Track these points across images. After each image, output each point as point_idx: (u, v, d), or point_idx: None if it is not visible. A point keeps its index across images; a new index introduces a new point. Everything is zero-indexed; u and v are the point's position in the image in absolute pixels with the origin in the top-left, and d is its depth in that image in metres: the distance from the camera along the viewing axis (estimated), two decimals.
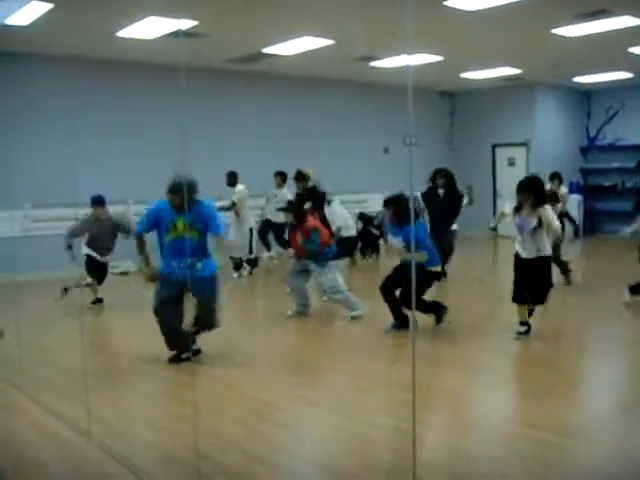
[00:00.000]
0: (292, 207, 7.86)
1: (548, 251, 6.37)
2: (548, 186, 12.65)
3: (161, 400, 5.09)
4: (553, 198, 8.71)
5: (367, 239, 12.59)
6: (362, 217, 13.08)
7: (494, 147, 16.28)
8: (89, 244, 8.50)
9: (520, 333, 6.47)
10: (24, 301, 7.34)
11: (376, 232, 12.69)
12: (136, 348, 6.35)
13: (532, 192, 6.26)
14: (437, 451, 4.01)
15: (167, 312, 5.78)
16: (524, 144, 15.59)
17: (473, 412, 4.74)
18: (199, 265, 5.76)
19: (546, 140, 15.58)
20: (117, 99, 11.36)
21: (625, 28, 9.44)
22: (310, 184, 10.12)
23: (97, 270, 8.54)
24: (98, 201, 8.46)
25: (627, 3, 8.34)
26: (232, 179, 10.73)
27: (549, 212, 6.31)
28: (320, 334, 7.09)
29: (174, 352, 5.83)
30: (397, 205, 6.69)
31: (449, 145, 16.83)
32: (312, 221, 7.65)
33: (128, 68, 11.38)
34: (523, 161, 15.71)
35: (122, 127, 11.40)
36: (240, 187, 10.70)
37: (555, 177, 12.53)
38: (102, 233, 8.47)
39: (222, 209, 10.02)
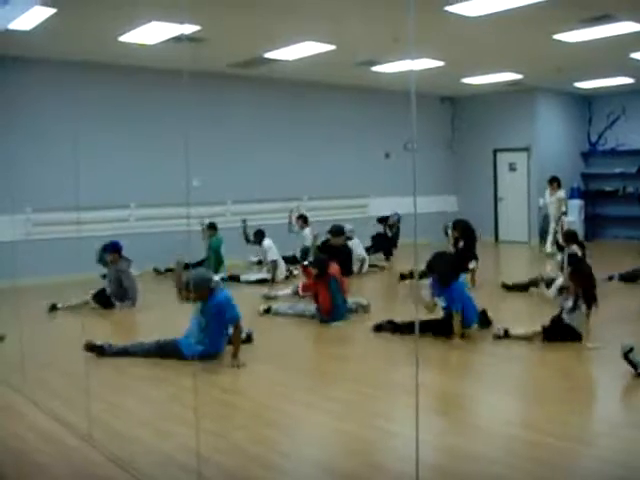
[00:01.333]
0: (317, 263, 7.79)
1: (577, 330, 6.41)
2: (547, 191, 12.71)
3: (162, 404, 5.09)
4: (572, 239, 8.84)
5: (380, 242, 12.47)
6: (381, 221, 12.92)
7: (495, 152, 16.29)
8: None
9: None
10: (25, 305, 7.34)
11: (389, 233, 12.55)
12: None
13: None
14: (440, 454, 4.01)
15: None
16: (525, 149, 15.61)
17: (476, 415, 4.74)
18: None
19: (547, 145, 15.60)
20: (119, 103, 11.40)
21: (626, 34, 9.46)
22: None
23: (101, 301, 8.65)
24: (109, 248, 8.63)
25: (629, 9, 8.35)
26: (260, 237, 10.55)
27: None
28: (322, 338, 7.08)
29: None
30: (440, 265, 6.67)
31: (450, 150, 16.84)
32: (332, 267, 7.74)
33: (130, 73, 11.41)
34: (524, 166, 15.73)
35: (124, 131, 11.43)
36: (267, 243, 10.50)
37: (554, 181, 12.55)
38: (111, 278, 8.65)
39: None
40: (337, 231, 10.40)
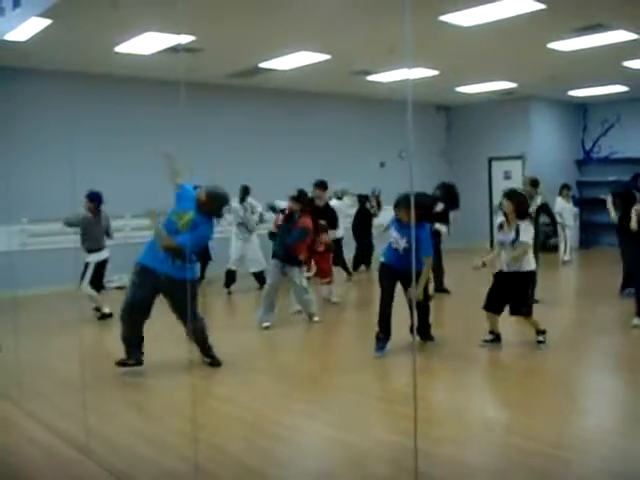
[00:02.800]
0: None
1: (531, 266, 6.42)
2: (558, 199, 12.78)
3: (160, 415, 5.08)
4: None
5: (363, 243, 11.96)
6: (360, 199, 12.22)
7: (490, 160, 16.34)
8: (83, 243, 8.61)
9: (486, 341, 6.65)
10: (22, 316, 7.32)
11: (371, 209, 11.99)
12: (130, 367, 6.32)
13: (516, 204, 6.37)
14: (437, 464, 4.00)
15: (133, 316, 5.92)
16: (520, 157, 15.65)
17: (473, 424, 4.73)
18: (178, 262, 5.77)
19: (542, 153, 15.64)
20: (115, 114, 11.41)
21: (619, 42, 9.52)
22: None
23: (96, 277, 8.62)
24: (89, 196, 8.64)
25: (621, 18, 8.41)
26: (245, 193, 10.60)
27: (528, 228, 6.40)
28: (317, 348, 7.08)
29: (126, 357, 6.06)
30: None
31: (445, 159, 16.88)
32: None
33: (126, 83, 11.43)
34: (519, 174, 15.74)
35: (120, 142, 11.43)
36: (253, 201, 10.60)
37: (565, 188, 12.70)
38: (93, 229, 8.63)
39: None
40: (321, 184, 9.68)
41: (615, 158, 15.82)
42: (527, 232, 6.34)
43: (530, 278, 6.48)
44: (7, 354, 6.11)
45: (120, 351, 6.17)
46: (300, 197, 8.01)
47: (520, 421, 4.81)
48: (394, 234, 6.51)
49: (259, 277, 10.48)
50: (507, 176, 16.06)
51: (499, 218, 6.65)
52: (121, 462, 4.04)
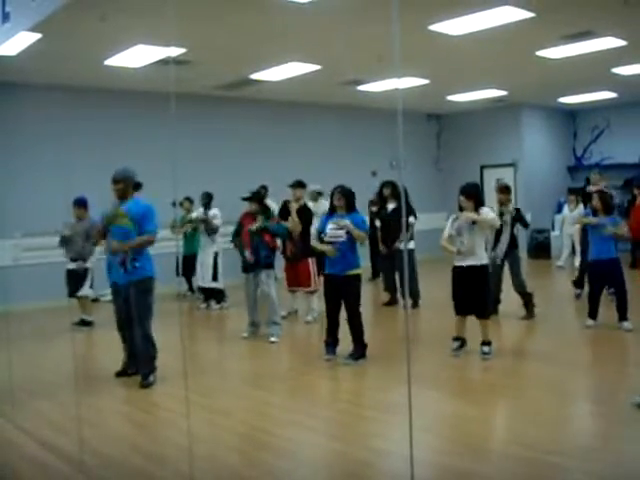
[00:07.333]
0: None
1: (485, 260, 6.50)
2: (567, 205, 12.84)
3: (155, 429, 5.05)
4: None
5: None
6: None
7: (482, 168, 16.37)
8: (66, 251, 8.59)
9: (455, 349, 6.67)
10: (15, 332, 7.28)
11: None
12: (129, 377, 6.29)
13: (473, 197, 6.54)
14: (433, 473, 3.99)
15: (124, 326, 6.14)
16: (512, 165, 15.70)
17: (469, 433, 4.71)
18: (130, 259, 5.91)
19: (533, 160, 15.70)
20: (106, 127, 11.38)
21: (608, 49, 9.58)
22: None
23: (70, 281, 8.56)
24: (78, 202, 8.66)
25: (609, 25, 8.46)
26: (208, 200, 10.32)
27: (486, 210, 6.54)
28: (307, 358, 7.01)
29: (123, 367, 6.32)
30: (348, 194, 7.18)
31: (437, 167, 16.91)
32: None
33: (117, 96, 11.42)
34: (511, 182, 15.76)
35: (111, 155, 11.38)
36: (216, 211, 10.27)
37: (569, 194, 12.81)
38: (75, 236, 8.55)
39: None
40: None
41: (606, 164, 15.88)
42: (489, 213, 6.52)
43: (486, 273, 6.51)
44: (1, 370, 6.07)
45: (113, 363, 6.16)
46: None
47: (517, 429, 4.80)
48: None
49: (205, 292, 10.22)
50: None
51: (452, 215, 6.76)
52: (116, 477, 4.01)
